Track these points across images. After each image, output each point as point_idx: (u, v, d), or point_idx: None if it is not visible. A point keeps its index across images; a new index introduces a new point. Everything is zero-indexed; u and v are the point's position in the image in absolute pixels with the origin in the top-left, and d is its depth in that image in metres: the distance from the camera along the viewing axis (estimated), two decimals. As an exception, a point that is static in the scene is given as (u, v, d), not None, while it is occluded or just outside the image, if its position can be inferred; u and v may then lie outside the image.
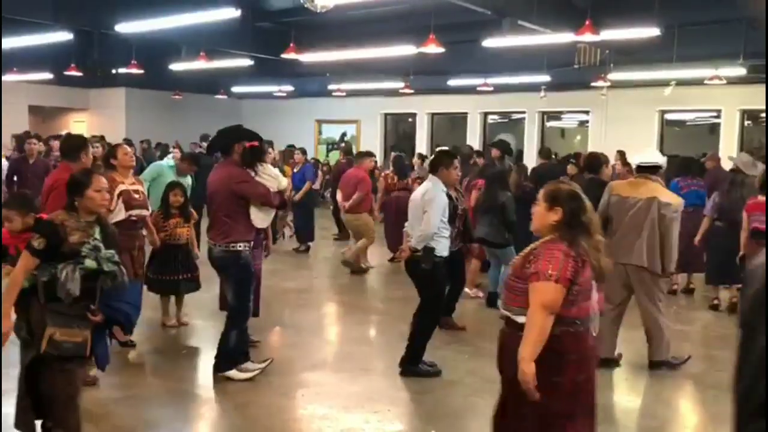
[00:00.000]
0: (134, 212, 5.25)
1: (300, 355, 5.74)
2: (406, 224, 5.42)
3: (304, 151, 11.17)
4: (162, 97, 19.33)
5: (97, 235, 3.48)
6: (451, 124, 18.78)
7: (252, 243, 5.04)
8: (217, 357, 5.03)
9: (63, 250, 3.36)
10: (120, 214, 5.08)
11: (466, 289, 7.31)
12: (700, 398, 5.28)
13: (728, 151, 13.59)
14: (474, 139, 17.05)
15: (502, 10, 9.81)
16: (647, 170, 5.45)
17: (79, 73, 14.91)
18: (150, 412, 4.59)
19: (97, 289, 3.45)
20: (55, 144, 10.86)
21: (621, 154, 10.88)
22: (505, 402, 3.07)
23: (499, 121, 18.32)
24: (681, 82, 13.02)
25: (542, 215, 3.02)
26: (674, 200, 5.40)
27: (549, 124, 17.27)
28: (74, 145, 5.13)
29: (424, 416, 4.64)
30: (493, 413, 3.15)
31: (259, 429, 4.42)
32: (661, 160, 5.58)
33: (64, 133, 14.47)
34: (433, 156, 5.85)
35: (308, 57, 12.48)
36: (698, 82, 12.25)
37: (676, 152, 13.35)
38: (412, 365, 5.21)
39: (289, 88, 17.73)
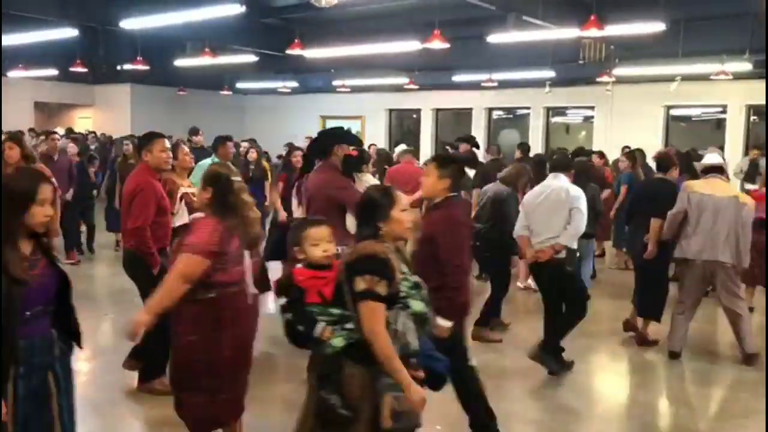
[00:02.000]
0: (197, 216, 5.05)
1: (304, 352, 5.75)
2: (526, 226, 5.23)
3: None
4: (167, 93, 19.36)
5: (405, 269, 2.73)
6: (455, 120, 18.76)
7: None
8: None
9: (391, 293, 2.59)
10: (183, 218, 4.84)
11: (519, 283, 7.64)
12: (706, 395, 5.28)
13: (734, 147, 13.57)
14: (479, 135, 17.01)
15: (506, 5, 9.80)
16: (715, 170, 5.67)
17: (85, 70, 14.94)
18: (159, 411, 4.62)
19: None
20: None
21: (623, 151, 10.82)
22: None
23: (504, 116, 18.28)
24: (686, 78, 12.96)
25: (198, 194, 3.49)
26: (750, 201, 5.61)
27: (554, 119, 17.23)
28: (141, 140, 4.79)
29: (429, 413, 4.63)
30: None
31: (265, 423, 4.44)
32: (721, 161, 5.88)
33: (58, 129, 14.42)
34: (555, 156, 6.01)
35: (313, 53, 12.48)
36: (704, 78, 12.20)
37: (682, 148, 13.31)
38: (550, 353, 5.18)
39: (294, 83, 17.73)
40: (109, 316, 6.69)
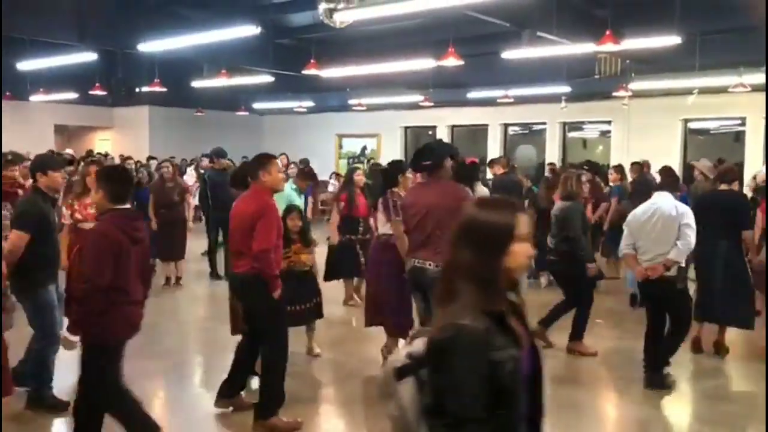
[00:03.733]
0: None
1: (312, 369, 5.71)
2: (631, 244, 5.22)
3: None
4: (184, 114, 19.56)
5: None
6: (471, 137, 18.77)
7: None
8: None
9: None
10: None
11: None
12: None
13: (754, 159, 13.42)
14: (495, 150, 17.01)
15: (521, 21, 9.81)
16: None
17: (104, 92, 15.16)
18: None
19: None
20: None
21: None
22: None
23: (520, 132, 18.26)
24: (704, 90, 12.87)
25: None
26: None
27: (570, 134, 17.17)
28: (257, 161, 4.55)
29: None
30: None
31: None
32: None
33: (68, 152, 14.53)
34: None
35: (328, 72, 12.56)
36: (722, 90, 12.10)
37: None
38: (657, 373, 5.28)
39: (310, 103, 17.85)
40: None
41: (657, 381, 5.26)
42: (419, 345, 1.91)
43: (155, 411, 4.97)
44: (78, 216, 5.53)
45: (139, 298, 3.74)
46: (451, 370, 1.81)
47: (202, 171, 12.21)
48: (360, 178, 7.91)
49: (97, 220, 3.70)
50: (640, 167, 10.37)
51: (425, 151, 5.03)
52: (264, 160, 4.50)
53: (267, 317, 4.42)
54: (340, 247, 7.51)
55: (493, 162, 10.66)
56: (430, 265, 4.74)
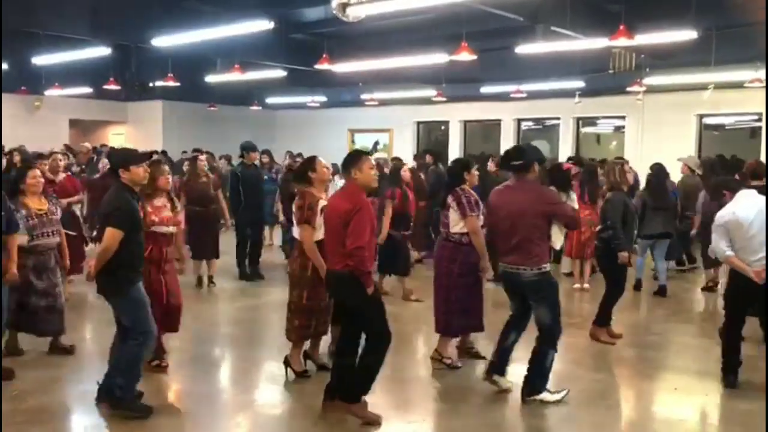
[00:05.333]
0: None
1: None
2: (729, 245, 5.06)
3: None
4: (198, 109, 19.63)
5: None
6: (484, 132, 18.70)
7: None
8: (529, 379, 4.87)
9: None
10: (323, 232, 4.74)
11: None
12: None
13: (770, 155, 13.29)
14: (508, 146, 16.88)
15: (534, 16, 9.76)
16: None
17: (117, 87, 15.25)
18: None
19: None
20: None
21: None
22: None
23: (533, 127, 18.17)
24: (719, 86, 12.74)
25: None
26: None
27: (584, 129, 17.07)
28: (349, 159, 4.56)
29: (461, 429, 4.59)
30: None
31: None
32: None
33: (84, 146, 14.55)
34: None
35: (341, 67, 12.56)
36: (737, 85, 11.98)
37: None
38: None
39: (322, 98, 17.86)
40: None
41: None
42: None
43: (177, 403, 5.01)
44: (153, 218, 5.23)
45: None
46: None
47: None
48: (406, 174, 8.10)
49: None
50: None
51: (515, 152, 5.00)
52: (355, 157, 4.53)
53: (366, 312, 4.45)
54: (393, 242, 7.67)
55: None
56: (524, 269, 4.76)
